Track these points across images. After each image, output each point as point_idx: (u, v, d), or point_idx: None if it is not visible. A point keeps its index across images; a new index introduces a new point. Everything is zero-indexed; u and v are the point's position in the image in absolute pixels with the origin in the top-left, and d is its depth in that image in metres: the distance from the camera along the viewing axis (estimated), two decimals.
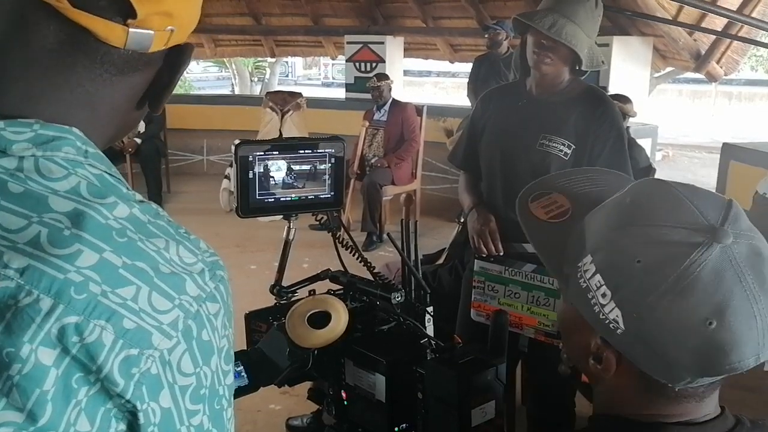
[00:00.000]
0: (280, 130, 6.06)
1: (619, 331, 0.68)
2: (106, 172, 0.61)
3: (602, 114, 2.00)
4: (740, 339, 0.64)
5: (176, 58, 0.66)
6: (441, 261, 3.09)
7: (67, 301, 0.52)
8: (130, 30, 0.59)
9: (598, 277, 0.69)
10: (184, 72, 0.69)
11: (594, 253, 0.70)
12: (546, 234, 0.78)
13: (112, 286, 0.54)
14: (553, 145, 2.00)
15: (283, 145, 1.18)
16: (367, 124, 5.62)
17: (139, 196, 0.62)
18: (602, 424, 0.77)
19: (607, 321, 0.68)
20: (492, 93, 2.27)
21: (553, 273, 0.76)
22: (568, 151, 1.99)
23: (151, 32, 0.60)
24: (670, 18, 5.77)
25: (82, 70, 0.60)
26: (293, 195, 1.20)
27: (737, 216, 0.69)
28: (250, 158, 1.14)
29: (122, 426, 0.56)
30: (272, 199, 1.19)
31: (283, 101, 6.30)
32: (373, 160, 5.54)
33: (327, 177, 1.21)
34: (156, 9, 0.60)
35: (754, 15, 5.51)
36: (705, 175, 8.61)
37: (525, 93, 2.09)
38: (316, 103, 7.46)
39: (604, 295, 0.68)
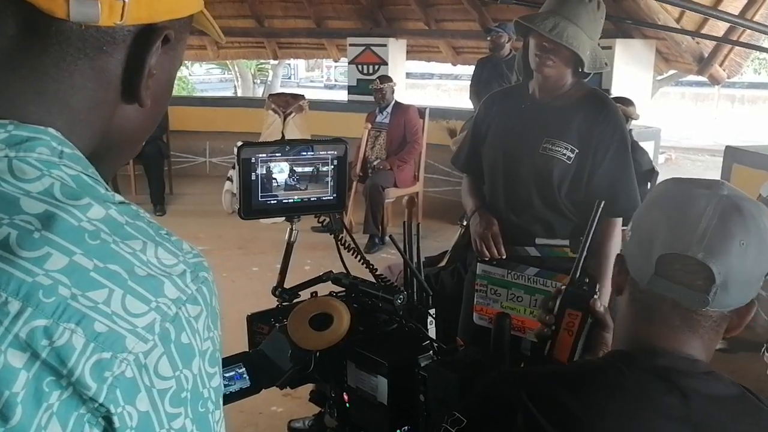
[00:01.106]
0: (282, 132, 6.06)
1: (629, 236, 0.90)
2: (82, 173, 0.59)
3: (605, 117, 1.98)
4: (678, 233, 0.83)
5: (144, 39, 0.62)
6: (443, 263, 3.08)
7: (36, 304, 0.52)
8: None
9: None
10: (163, 62, 0.65)
11: None
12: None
13: (82, 289, 0.54)
14: (556, 149, 1.97)
15: (286, 147, 1.18)
16: (370, 126, 5.62)
17: (119, 197, 0.60)
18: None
19: (626, 230, 0.93)
20: (495, 96, 2.24)
21: None
22: (572, 155, 1.97)
23: (95, 0, 0.57)
24: (673, 21, 5.76)
25: (43, 55, 0.59)
26: (295, 197, 1.20)
27: (746, 198, 0.86)
28: (253, 160, 1.14)
29: (95, 431, 0.54)
30: (274, 201, 1.18)
31: (286, 103, 6.31)
32: (375, 163, 5.54)
33: (329, 179, 1.21)
34: None
35: (756, 18, 5.50)
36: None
37: (528, 96, 2.07)
38: (318, 105, 7.47)
39: None
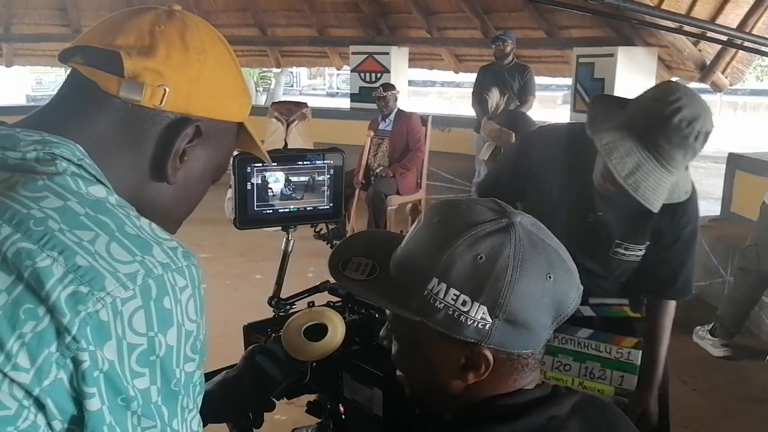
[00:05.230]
0: (285, 140, 6.03)
1: (487, 326, 0.77)
2: (97, 177, 0.67)
3: (684, 214, 1.69)
4: (567, 281, 0.80)
5: (177, 125, 0.73)
6: None
7: (25, 230, 0.58)
8: (123, 80, 0.69)
9: (452, 291, 0.76)
10: (198, 154, 0.76)
11: (440, 275, 0.77)
12: (376, 288, 0.84)
13: (70, 226, 0.59)
14: (630, 253, 1.73)
15: (281, 157, 1.17)
16: (372, 133, 5.62)
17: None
18: (474, 413, 0.82)
19: (475, 323, 0.76)
20: (549, 148, 1.77)
21: (405, 314, 0.81)
22: (642, 254, 1.74)
23: (142, 84, 0.69)
24: (675, 27, 5.76)
25: (99, 117, 0.70)
26: (292, 206, 1.20)
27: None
28: (248, 169, 1.14)
29: (62, 374, 0.57)
30: (270, 211, 1.18)
31: (289, 111, 6.32)
32: (378, 170, 5.54)
33: (325, 188, 1.21)
34: (144, 64, 0.69)
35: (759, 25, 5.50)
36: (711, 185, 8.57)
37: (590, 184, 1.64)
38: (321, 113, 7.48)
39: (464, 303, 0.76)
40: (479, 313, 0.76)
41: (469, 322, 0.76)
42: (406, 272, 0.81)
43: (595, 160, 1.60)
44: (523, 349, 0.80)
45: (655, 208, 1.46)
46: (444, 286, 0.77)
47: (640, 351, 1.68)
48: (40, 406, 0.58)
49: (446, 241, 0.77)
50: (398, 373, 0.91)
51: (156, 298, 0.60)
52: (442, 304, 0.77)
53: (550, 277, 0.77)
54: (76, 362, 0.57)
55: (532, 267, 0.76)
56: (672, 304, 1.83)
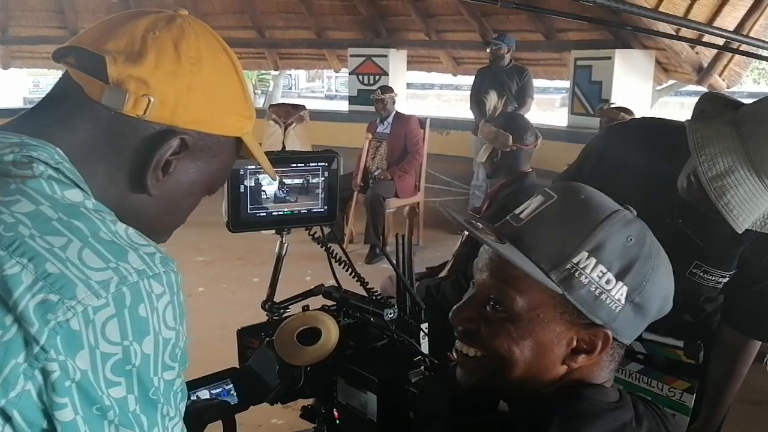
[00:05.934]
0: (283, 143, 6.05)
1: (618, 309, 0.77)
2: (75, 183, 0.65)
3: None
4: (672, 282, 0.81)
5: (161, 136, 0.69)
6: (444, 274, 3.05)
7: None
8: (106, 87, 0.67)
9: (599, 267, 0.76)
10: (186, 167, 0.72)
11: (592, 250, 0.76)
12: (516, 253, 0.78)
13: (41, 232, 0.58)
14: (709, 277, 1.49)
15: (275, 159, 1.16)
16: (371, 136, 5.61)
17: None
18: (562, 402, 0.79)
19: (611, 303, 0.76)
20: (638, 143, 1.53)
21: (548, 284, 0.76)
22: (724, 281, 1.51)
23: (125, 92, 0.66)
24: (672, 32, 5.76)
25: (85, 123, 0.68)
26: (285, 209, 1.19)
27: None
28: (241, 172, 1.13)
29: (29, 386, 0.56)
30: (264, 213, 1.17)
31: (287, 114, 6.30)
32: (376, 173, 5.54)
33: (320, 191, 1.20)
34: (128, 72, 0.67)
35: (756, 28, 5.51)
36: None
37: (674, 192, 1.38)
38: (319, 115, 7.47)
39: (608, 281, 0.76)
40: (618, 294, 0.76)
41: (607, 302, 0.76)
42: (545, 243, 0.78)
43: (687, 160, 1.34)
44: (629, 338, 0.81)
45: (739, 226, 1.19)
46: (593, 261, 0.76)
47: (693, 395, 1.52)
48: (7, 418, 0.56)
49: (599, 218, 0.77)
50: (472, 353, 0.84)
51: (130, 306, 0.58)
52: (587, 280, 0.75)
53: (671, 272, 0.80)
54: (45, 373, 0.55)
55: (664, 258, 0.79)
56: (756, 345, 1.63)
